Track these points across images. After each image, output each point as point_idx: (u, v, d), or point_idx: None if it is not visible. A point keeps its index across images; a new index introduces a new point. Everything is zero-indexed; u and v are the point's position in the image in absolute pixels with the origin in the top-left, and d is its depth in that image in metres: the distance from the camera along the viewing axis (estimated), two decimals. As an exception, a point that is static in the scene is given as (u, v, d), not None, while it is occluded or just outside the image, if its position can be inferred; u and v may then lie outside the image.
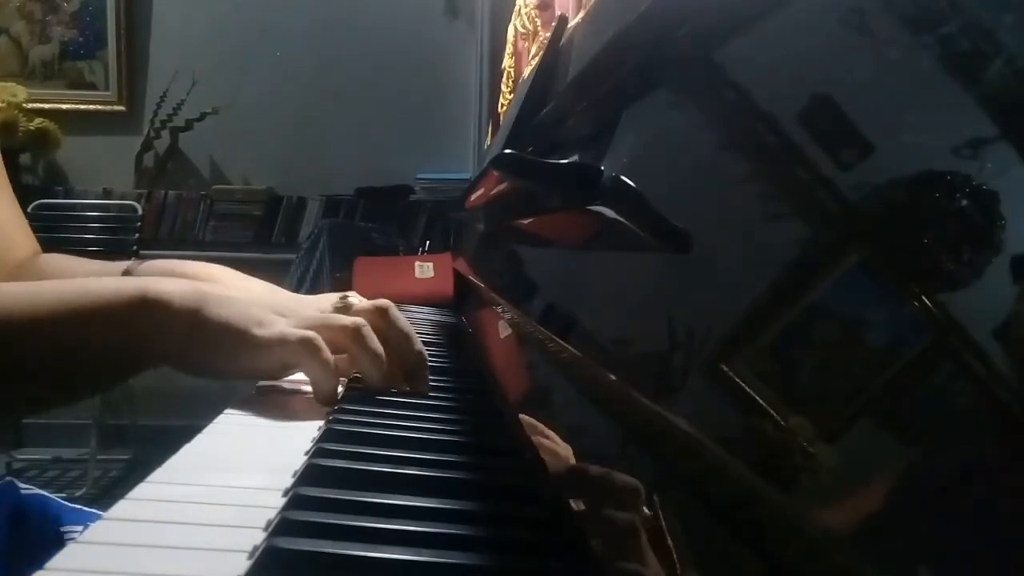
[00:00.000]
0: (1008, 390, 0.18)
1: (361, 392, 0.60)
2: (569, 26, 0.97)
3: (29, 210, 2.67)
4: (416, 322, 1.17)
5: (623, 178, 0.42)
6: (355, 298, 0.65)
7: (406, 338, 0.62)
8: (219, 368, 0.57)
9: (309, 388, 0.61)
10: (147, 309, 0.55)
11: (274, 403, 0.59)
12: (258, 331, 0.56)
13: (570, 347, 0.45)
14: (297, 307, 0.62)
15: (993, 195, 0.20)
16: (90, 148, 3.08)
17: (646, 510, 0.32)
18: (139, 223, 2.84)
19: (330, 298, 0.68)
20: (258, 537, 0.35)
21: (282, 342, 0.56)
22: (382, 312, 0.62)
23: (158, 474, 0.42)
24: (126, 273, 0.79)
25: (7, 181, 0.84)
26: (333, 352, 0.57)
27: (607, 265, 0.48)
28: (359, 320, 0.59)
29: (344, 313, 0.62)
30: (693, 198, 0.38)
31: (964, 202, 0.20)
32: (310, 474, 0.42)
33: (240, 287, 0.79)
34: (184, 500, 0.39)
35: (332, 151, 3.10)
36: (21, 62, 3.13)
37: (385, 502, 0.39)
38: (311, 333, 0.56)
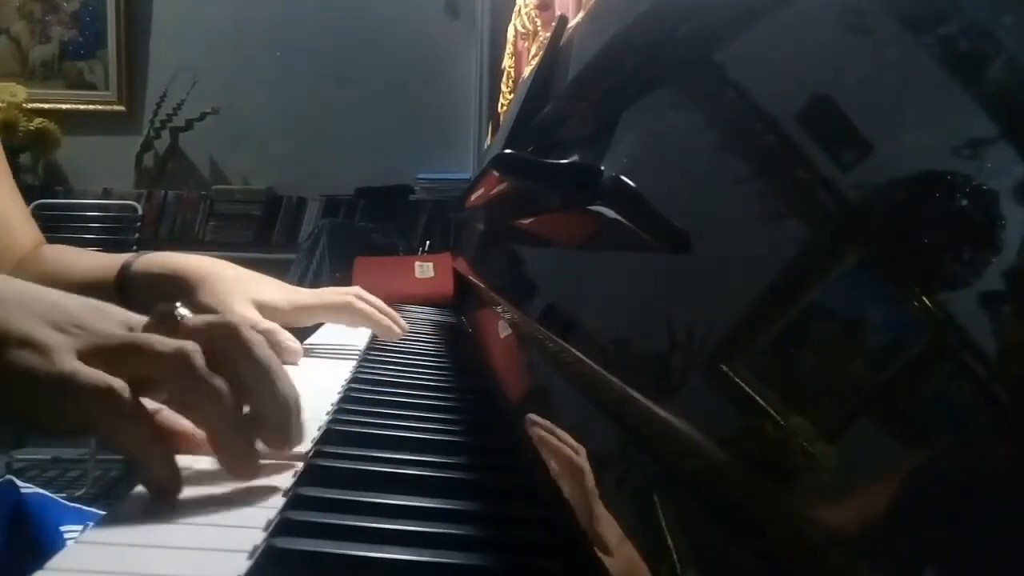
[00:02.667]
0: (1008, 390, 0.18)
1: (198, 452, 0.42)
2: (569, 26, 0.97)
3: (29, 210, 2.66)
4: (416, 322, 1.17)
5: (623, 178, 0.42)
6: (186, 311, 0.43)
7: (264, 373, 0.40)
8: None
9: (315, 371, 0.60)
10: None
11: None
12: (24, 361, 0.37)
13: (570, 347, 0.45)
14: (91, 315, 0.40)
15: (993, 195, 0.20)
16: (90, 148, 3.08)
17: (644, 508, 0.32)
18: (139, 223, 2.84)
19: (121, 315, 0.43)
20: (258, 537, 0.35)
21: (62, 385, 0.36)
22: (227, 333, 0.41)
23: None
24: (125, 266, 0.78)
25: (9, 173, 0.84)
26: (141, 391, 0.38)
27: (607, 265, 0.48)
28: (187, 345, 0.39)
29: (165, 331, 0.41)
30: (693, 198, 0.38)
31: (964, 202, 0.20)
32: (310, 474, 0.42)
33: (230, 277, 0.77)
34: (184, 500, 0.39)
35: (332, 151, 3.10)
36: (21, 62, 3.13)
37: (385, 502, 0.39)
38: (106, 381, 0.36)
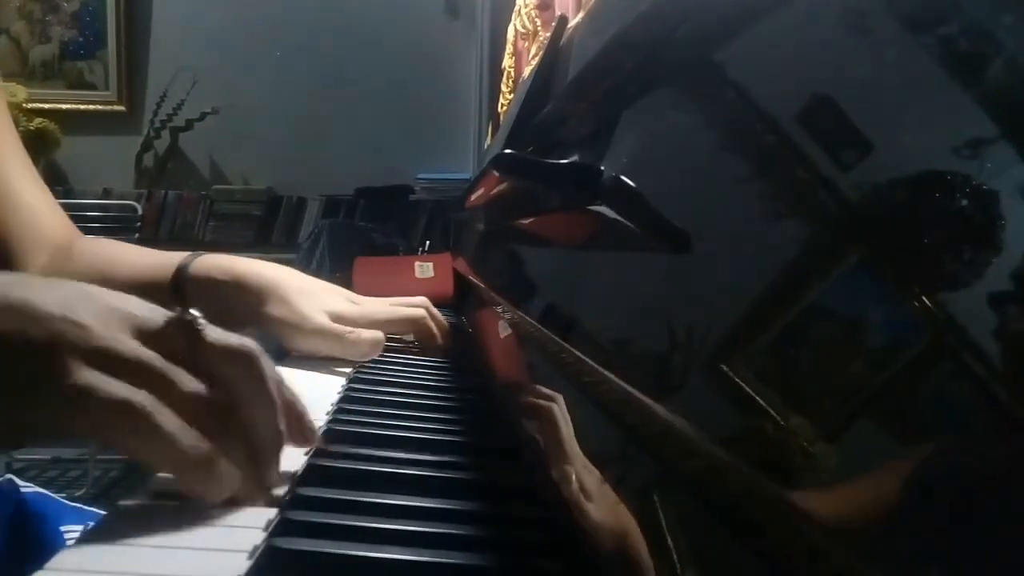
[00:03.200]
0: (1008, 390, 0.18)
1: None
2: (569, 26, 0.97)
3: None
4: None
5: (623, 178, 0.42)
6: (205, 322, 0.39)
7: (268, 406, 0.39)
8: None
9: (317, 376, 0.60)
10: None
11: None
12: (17, 360, 0.33)
13: (570, 347, 0.45)
14: (107, 312, 0.36)
15: (993, 195, 0.20)
16: (90, 148, 3.08)
17: (646, 509, 0.32)
18: (139, 223, 2.84)
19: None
20: (258, 537, 0.35)
21: (75, 398, 0.33)
22: (246, 360, 0.38)
23: (158, 474, 0.42)
24: (181, 267, 0.75)
25: (32, 168, 0.82)
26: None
27: (607, 265, 0.48)
28: (255, 348, 0.38)
29: (184, 339, 0.38)
30: (693, 198, 0.38)
31: (964, 202, 0.20)
32: (310, 474, 0.42)
33: (296, 287, 0.75)
34: (184, 500, 0.39)
35: (332, 151, 3.10)
36: (21, 62, 3.13)
37: (385, 502, 0.39)
38: (138, 396, 0.33)
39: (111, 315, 0.36)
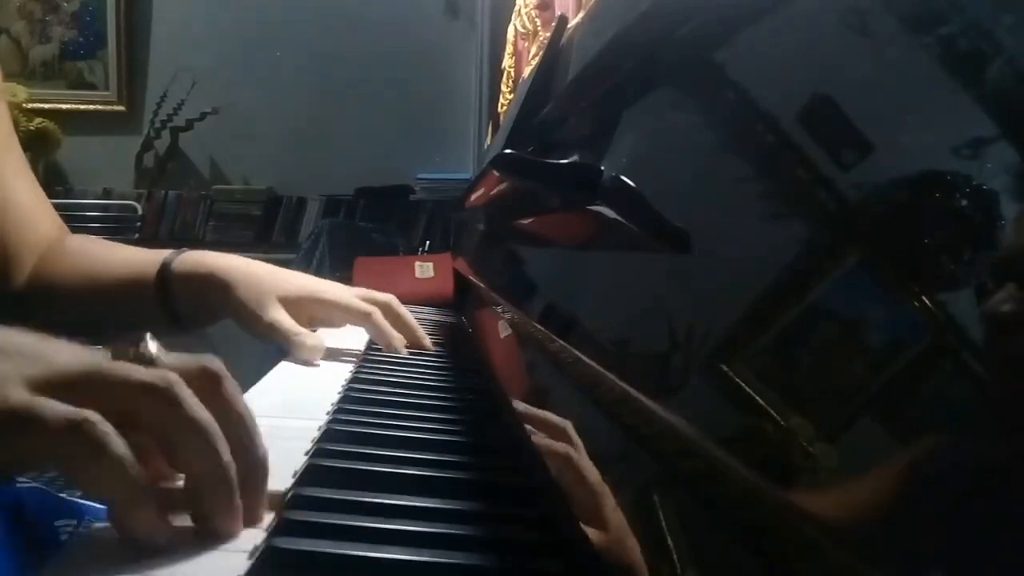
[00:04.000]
0: (1008, 390, 0.18)
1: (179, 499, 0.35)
2: (569, 26, 0.97)
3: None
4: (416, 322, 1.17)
5: (623, 178, 0.42)
6: (155, 345, 0.38)
7: (247, 430, 0.36)
8: None
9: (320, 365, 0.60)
10: None
11: (274, 403, 0.59)
12: None
13: (570, 347, 0.45)
14: (43, 352, 0.34)
15: (993, 195, 0.20)
16: (90, 148, 3.08)
17: (645, 509, 0.32)
18: (139, 223, 2.84)
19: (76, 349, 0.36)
20: (258, 537, 0.35)
21: (14, 421, 0.31)
22: (210, 377, 0.36)
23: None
24: (165, 264, 0.78)
25: (27, 166, 0.83)
26: (119, 427, 0.32)
27: (607, 265, 0.48)
28: (169, 376, 0.34)
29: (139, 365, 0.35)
30: (693, 198, 0.38)
31: (964, 202, 0.20)
32: (310, 474, 0.42)
33: (259, 274, 0.79)
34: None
35: (332, 151, 3.10)
36: (21, 62, 3.12)
37: (385, 502, 0.39)
38: (85, 413, 0.31)
39: (57, 346, 0.35)
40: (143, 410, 0.33)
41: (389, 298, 0.84)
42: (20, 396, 0.31)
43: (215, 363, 0.36)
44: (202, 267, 0.78)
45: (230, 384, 0.36)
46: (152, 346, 0.37)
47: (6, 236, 0.79)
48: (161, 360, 0.36)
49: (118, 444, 0.31)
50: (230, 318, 0.77)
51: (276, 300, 0.76)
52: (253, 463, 0.36)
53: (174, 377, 0.33)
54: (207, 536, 0.33)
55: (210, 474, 0.33)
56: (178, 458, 0.34)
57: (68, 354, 0.34)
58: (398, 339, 0.80)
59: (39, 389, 0.32)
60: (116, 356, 0.36)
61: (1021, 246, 0.18)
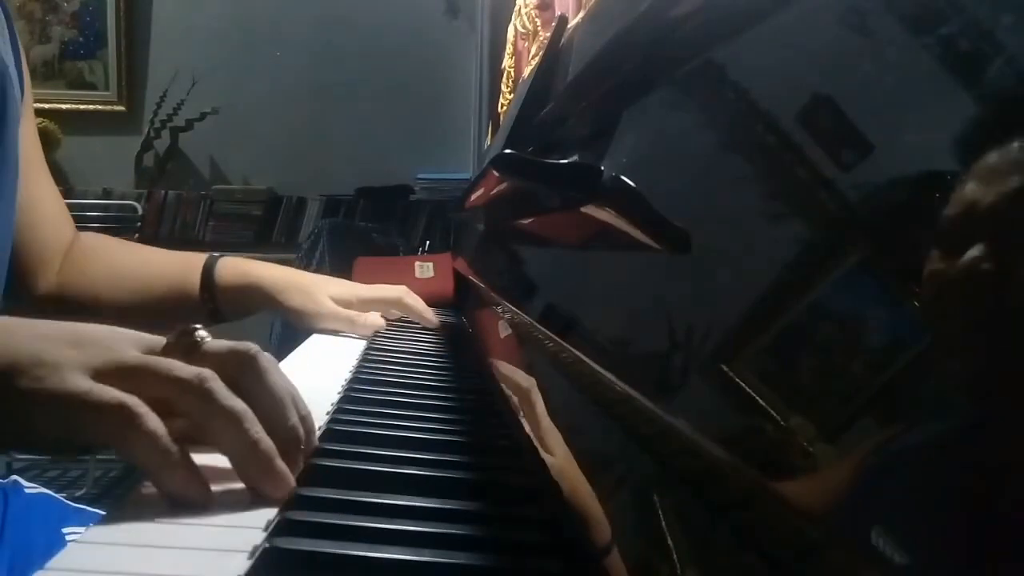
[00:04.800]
0: (1008, 390, 0.18)
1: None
2: (569, 26, 0.97)
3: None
4: (416, 322, 1.17)
5: (623, 178, 0.42)
6: (206, 332, 0.43)
7: (278, 404, 0.41)
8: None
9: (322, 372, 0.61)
10: None
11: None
12: (28, 381, 0.37)
13: (570, 347, 0.45)
14: (104, 340, 0.41)
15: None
16: (90, 148, 3.08)
17: (644, 508, 0.32)
18: (139, 223, 2.84)
19: (137, 338, 0.43)
20: (258, 537, 0.35)
21: (73, 403, 0.37)
22: (245, 360, 0.41)
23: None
24: (207, 270, 0.88)
25: (48, 173, 0.86)
26: (163, 415, 0.38)
27: (607, 265, 0.48)
28: (204, 372, 0.39)
29: (182, 355, 0.41)
30: (693, 198, 0.38)
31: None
32: (310, 474, 0.42)
33: (306, 281, 0.93)
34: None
35: (332, 151, 3.10)
36: (21, 62, 3.12)
37: (385, 502, 0.39)
38: (123, 397, 0.37)
39: (120, 337, 0.42)
40: (181, 403, 0.39)
41: (403, 289, 1.03)
42: (80, 382, 0.37)
43: (251, 347, 0.42)
44: (247, 277, 0.90)
45: (263, 363, 0.42)
46: (202, 333, 0.43)
47: (39, 241, 0.82)
48: (207, 343, 0.42)
49: (152, 420, 0.37)
50: (284, 319, 0.94)
51: (327, 297, 0.92)
52: (286, 433, 0.41)
53: (208, 373, 0.39)
54: (259, 499, 0.39)
55: (241, 453, 0.39)
56: (214, 441, 0.39)
57: (128, 345, 0.41)
58: (429, 311, 1.03)
59: (99, 376, 0.38)
60: (175, 339, 0.43)
61: (1021, 245, 0.18)
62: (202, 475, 0.38)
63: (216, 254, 0.92)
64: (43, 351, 0.38)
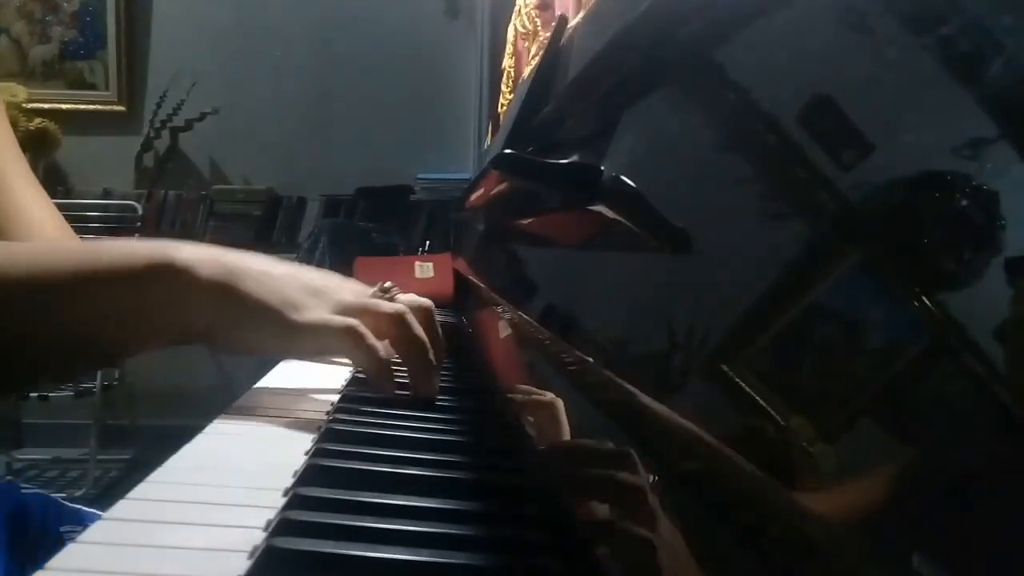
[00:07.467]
0: (1008, 390, 0.18)
1: (402, 381, 0.60)
2: (569, 26, 0.97)
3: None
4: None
5: (623, 178, 0.42)
6: (398, 290, 0.64)
7: (435, 340, 0.61)
8: (252, 347, 0.55)
9: (312, 391, 0.61)
10: (167, 275, 0.51)
11: (274, 403, 0.59)
12: (296, 315, 0.54)
13: (570, 347, 0.45)
14: (334, 289, 0.59)
15: (993, 195, 0.20)
16: (90, 148, 3.08)
17: (646, 509, 0.32)
18: (139, 223, 2.84)
19: (353, 287, 0.63)
20: (258, 537, 0.35)
21: (324, 329, 0.55)
22: (424, 311, 0.62)
23: (158, 474, 0.42)
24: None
25: (30, 170, 0.84)
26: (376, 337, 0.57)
27: (607, 265, 0.48)
28: (401, 307, 0.59)
29: (385, 299, 0.62)
30: (693, 198, 0.38)
31: (964, 202, 0.20)
32: (310, 474, 0.42)
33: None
34: (184, 500, 0.39)
35: (332, 151, 3.10)
36: (21, 62, 3.13)
37: (385, 502, 0.39)
38: (353, 321, 0.55)
39: (341, 285, 0.61)
40: (390, 328, 0.58)
41: (402, 307, 1.10)
42: (326, 316, 0.56)
43: (425, 301, 0.63)
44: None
45: (431, 314, 0.63)
46: (396, 289, 0.64)
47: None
48: (399, 296, 0.63)
49: (370, 338, 0.56)
50: None
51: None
52: (439, 354, 0.62)
53: (403, 308, 0.59)
54: (417, 394, 0.60)
55: (416, 365, 0.60)
56: (405, 353, 0.60)
57: (348, 292, 0.60)
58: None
59: (334, 312, 0.57)
60: (382, 290, 0.63)
61: (1021, 245, 0.18)
62: (395, 378, 0.59)
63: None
64: (299, 297, 0.55)
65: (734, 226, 0.33)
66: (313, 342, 0.56)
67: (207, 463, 0.45)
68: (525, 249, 0.76)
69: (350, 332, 0.55)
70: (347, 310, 0.57)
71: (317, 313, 0.56)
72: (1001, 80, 0.21)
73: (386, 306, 0.59)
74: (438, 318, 0.94)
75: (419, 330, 0.59)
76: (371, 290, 0.63)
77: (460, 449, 0.50)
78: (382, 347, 0.56)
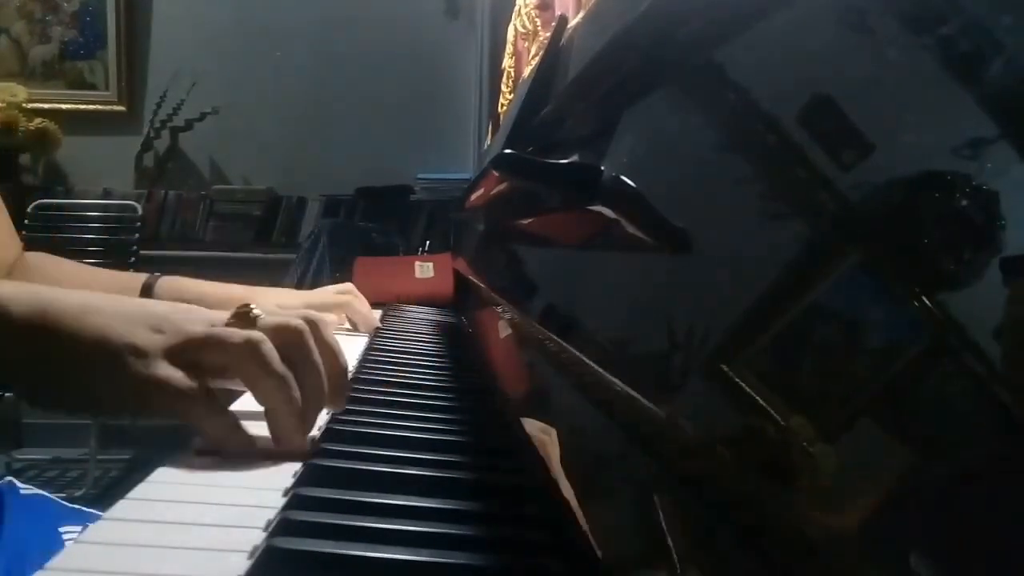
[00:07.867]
0: (1008, 390, 0.18)
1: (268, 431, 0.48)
2: (569, 26, 0.97)
3: (29, 210, 2.67)
4: (416, 322, 1.17)
5: (623, 178, 0.42)
6: (259, 311, 0.51)
7: (332, 354, 0.51)
8: (73, 404, 0.48)
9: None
10: None
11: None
12: (125, 364, 0.45)
13: (570, 347, 0.45)
14: (180, 321, 0.48)
15: (993, 195, 0.20)
16: (90, 148, 3.08)
17: (646, 509, 0.32)
18: (139, 223, 2.83)
19: (207, 316, 0.52)
20: (258, 537, 0.35)
21: (153, 386, 0.45)
22: (290, 331, 0.49)
23: (158, 474, 0.42)
24: (146, 288, 0.88)
25: None
26: (222, 374, 0.48)
27: (607, 265, 0.48)
28: (255, 335, 0.47)
29: (242, 326, 0.49)
30: (693, 198, 0.38)
31: (964, 202, 0.20)
32: (310, 474, 0.42)
33: (245, 296, 0.90)
34: (184, 500, 0.39)
35: (332, 151, 3.10)
36: (21, 62, 3.12)
37: (385, 502, 0.39)
38: (192, 384, 0.45)
39: (190, 316, 0.50)
40: (238, 367, 0.47)
41: (348, 287, 1.10)
42: (164, 369, 0.45)
43: (298, 323, 0.49)
44: (186, 295, 0.90)
45: (313, 333, 0.50)
46: (257, 310, 0.51)
47: None
48: (262, 319, 0.50)
49: (212, 402, 0.47)
50: None
51: (274, 307, 0.88)
52: (338, 376, 0.51)
53: (259, 336, 0.47)
54: (279, 447, 0.47)
55: (277, 405, 0.47)
56: (258, 394, 0.47)
57: (197, 322, 0.49)
58: (373, 317, 1.08)
59: (173, 354, 0.46)
60: (238, 314, 0.50)
61: (1021, 245, 0.18)
62: (245, 433, 0.47)
63: (157, 274, 0.93)
64: (131, 334, 0.46)
65: (734, 226, 0.33)
66: (145, 400, 0.46)
67: (207, 463, 0.45)
68: (525, 249, 0.76)
69: (186, 395, 0.45)
70: (185, 342, 0.47)
71: (152, 365, 0.45)
72: (1001, 80, 0.21)
73: (236, 336, 0.47)
74: (437, 318, 0.93)
75: (277, 365, 0.46)
76: (224, 315, 0.51)
77: (460, 449, 0.50)
78: (224, 413, 0.47)
